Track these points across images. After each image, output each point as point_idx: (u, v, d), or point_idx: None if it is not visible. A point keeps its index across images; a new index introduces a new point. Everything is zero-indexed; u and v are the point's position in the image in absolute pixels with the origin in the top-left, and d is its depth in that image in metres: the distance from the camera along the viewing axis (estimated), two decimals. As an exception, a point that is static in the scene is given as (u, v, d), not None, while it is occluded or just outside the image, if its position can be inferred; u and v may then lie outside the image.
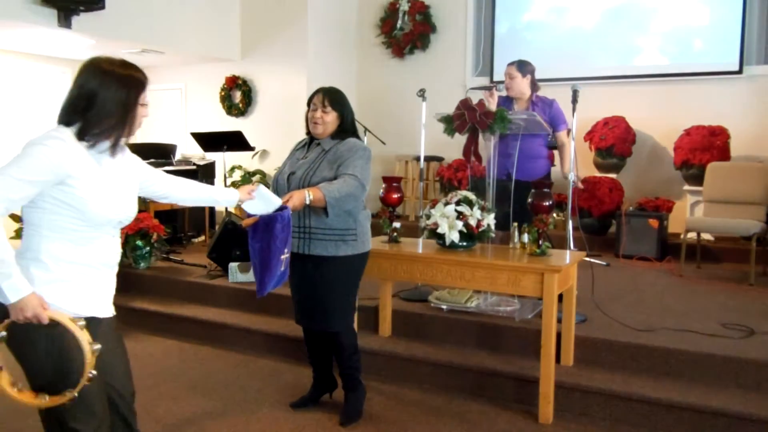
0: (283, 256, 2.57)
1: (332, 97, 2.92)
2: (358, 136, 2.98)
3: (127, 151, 2.01)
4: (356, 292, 3.02)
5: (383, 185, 3.62)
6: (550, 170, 4.23)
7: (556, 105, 4.17)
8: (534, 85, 4.18)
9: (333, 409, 3.14)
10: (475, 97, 3.81)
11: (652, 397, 2.96)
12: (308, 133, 3.02)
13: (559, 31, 7.09)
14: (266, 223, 2.54)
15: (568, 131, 4.21)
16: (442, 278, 3.18)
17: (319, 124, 2.89)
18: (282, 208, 2.56)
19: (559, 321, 3.24)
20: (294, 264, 2.77)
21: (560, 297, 3.18)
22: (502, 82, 4.29)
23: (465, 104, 3.77)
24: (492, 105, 4.06)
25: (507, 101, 4.20)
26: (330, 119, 2.90)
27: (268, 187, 2.66)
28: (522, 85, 4.13)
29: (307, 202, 2.65)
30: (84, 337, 1.77)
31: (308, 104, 2.98)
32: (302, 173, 2.84)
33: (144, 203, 5.77)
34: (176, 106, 8.73)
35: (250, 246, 2.63)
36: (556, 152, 4.55)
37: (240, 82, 7.90)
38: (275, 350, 3.97)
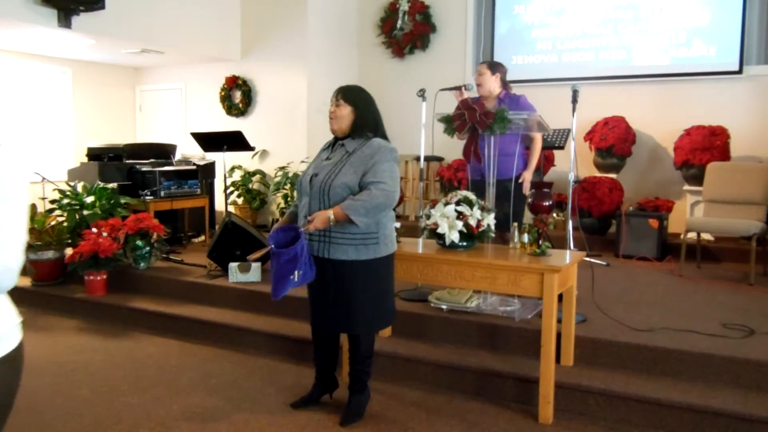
0: (292, 276, 2.69)
1: (346, 92, 2.89)
2: (384, 137, 2.91)
3: None
4: (385, 297, 2.93)
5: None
6: (524, 169, 4.17)
7: (524, 99, 4.14)
8: (505, 83, 4.19)
9: (333, 409, 3.14)
10: (446, 98, 3.83)
11: (652, 397, 2.95)
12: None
13: (559, 31, 7.09)
14: (275, 255, 2.69)
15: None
16: (442, 278, 3.18)
17: (333, 119, 2.87)
18: (297, 234, 2.72)
19: (559, 321, 3.24)
20: (315, 267, 2.82)
21: (560, 297, 3.18)
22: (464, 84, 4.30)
23: (465, 104, 3.77)
24: None
25: (476, 101, 4.18)
26: (343, 114, 2.85)
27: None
28: (491, 83, 4.14)
29: (331, 224, 2.70)
30: None
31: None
32: (324, 176, 2.79)
33: (144, 203, 5.78)
34: (176, 106, 8.73)
35: (272, 261, 2.80)
36: (557, 153, 4.54)
37: (240, 82, 7.90)
38: (275, 350, 3.97)
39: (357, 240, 2.76)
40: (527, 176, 4.12)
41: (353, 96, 2.88)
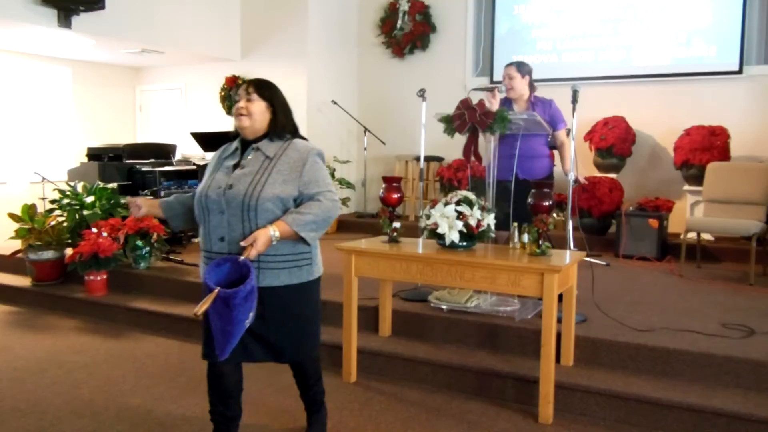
0: (248, 322, 2.24)
1: (261, 86, 2.47)
2: (301, 136, 2.55)
3: None
4: (319, 321, 2.62)
5: (383, 185, 3.62)
6: (552, 170, 4.26)
7: (555, 104, 4.22)
8: (531, 85, 4.21)
9: (334, 409, 3.13)
10: (475, 98, 3.81)
11: (652, 397, 2.95)
12: (235, 135, 2.54)
13: (559, 31, 7.09)
14: (225, 298, 2.15)
15: (568, 131, 4.23)
16: (442, 278, 3.18)
17: (243, 116, 2.41)
18: (241, 266, 2.22)
19: (559, 321, 3.24)
20: None
21: (560, 297, 3.18)
22: (499, 83, 4.29)
23: (465, 104, 3.77)
24: (494, 106, 4.08)
25: (507, 103, 4.21)
26: (258, 110, 2.42)
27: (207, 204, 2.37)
28: (521, 86, 4.15)
29: (274, 243, 2.28)
30: None
31: (234, 99, 2.54)
32: (246, 188, 2.32)
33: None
34: (176, 106, 8.73)
35: (209, 311, 2.21)
36: (556, 152, 4.55)
37: (240, 82, 7.89)
38: (275, 350, 3.96)
39: (290, 262, 2.39)
40: (572, 175, 4.17)
41: (269, 91, 2.49)
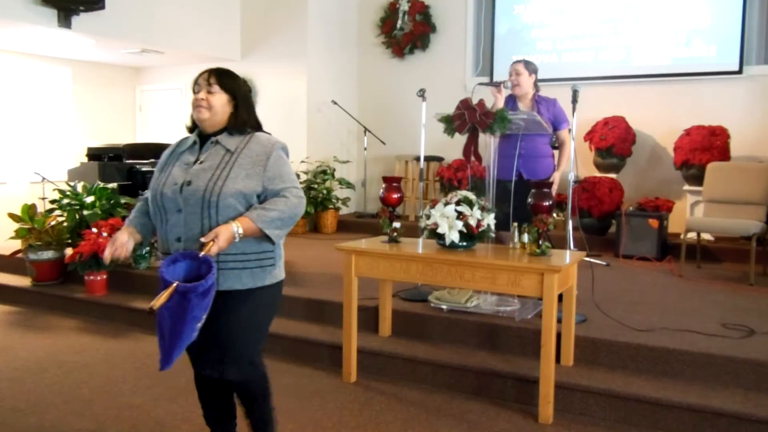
0: (199, 324, 2.05)
1: (223, 76, 2.28)
2: (263, 130, 2.36)
3: None
4: (267, 330, 2.38)
5: (383, 185, 3.62)
6: (554, 170, 4.27)
7: (558, 104, 4.24)
8: (536, 84, 4.21)
9: (333, 409, 3.14)
10: (482, 92, 3.81)
11: (652, 397, 2.95)
12: (193, 128, 2.35)
13: (559, 31, 7.09)
14: (183, 293, 1.98)
15: (569, 130, 4.23)
16: (442, 278, 3.18)
17: (203, 108, 2.22)
18: (202, 261, 2.04)
19: (559, 321, 3.24)
20: None
21: (560, 297, 3.18)
22: (500, 83, 4.28)
23: (465, 104, 3.77)
24: (500, 101, 4.10)
25: (511, 100, 4.21)
26: (219, 103, 2.24)
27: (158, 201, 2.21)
28: (528, 83, 4.15)
29: (237, 240, 2.10)
30: None
31: (193, 89, 2.31)
32: (205, 183, 2.14)
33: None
34: (176, 106, 8.73)
35: (159, 312, 2.02)
36: (557, 153, 4.56)
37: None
38: (275, 350, 3.96)
39: (252, 262, 2.20)
40: (557, 177, 4.18)
41: (232, 82, 2.29)
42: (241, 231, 2.09)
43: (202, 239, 2.07)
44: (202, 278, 2.01)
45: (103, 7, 6.02)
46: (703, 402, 2.88)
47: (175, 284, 1.97)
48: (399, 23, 7.78)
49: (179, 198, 2.16)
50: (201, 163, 2.21)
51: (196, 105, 2.24)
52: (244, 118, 2.27)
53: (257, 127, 2.33)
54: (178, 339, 2.03)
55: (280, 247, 2.32)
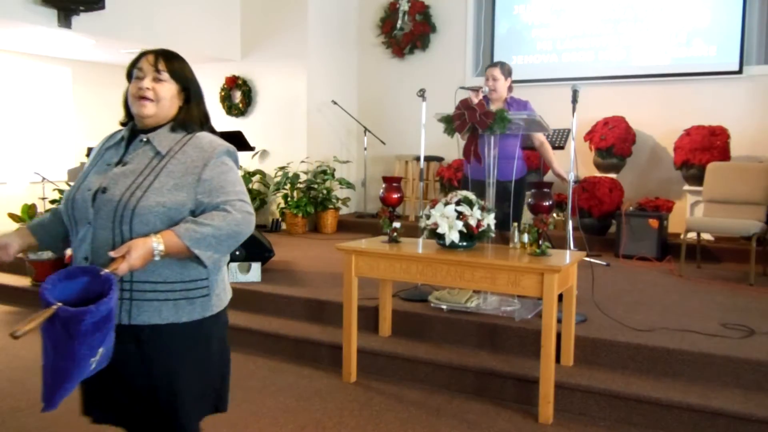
0: (93, 362, 1.54)
1: (171, 60, 1.82)
2: (212, 129, 1.88)
3: None
4: (216, 376, 1.86)
5: (383, 185, 3.62)
6: (525, 172, 4.26)
7: (530, 105, 4.21)
8: (510, 86, 4.23)
9: (333, 409, 3.14)
10: (461, 96, 3.83)
11: (652, 397, 2.96)
12: (126, 122, 1.87)
13: (559, 31, 7.09)
14: (65, 321, 1.47)
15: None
16: (442, 278, 3.18)
17: (148, 101, 1.76)
18: (102, 281, 1.55)
19: (559, 321, 3.24)
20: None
21: (560, 297, 3.18)
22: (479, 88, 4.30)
23: (465, 104, 3.78)
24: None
25: (486, 102, 4.20)
26: (167, 94, 1.78)
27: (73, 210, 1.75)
28: (503, 88, 4.17)
29: (156, 259, 1.63)
30: None
31: (128, 75, 1.85)
32: (122, 192, 1.68)
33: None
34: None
35: (43, 339, 1.53)
36: (557, 153, 4.56)
37: (240, 82, 7.90)
38: (275, 350, 3.97)
39: (177, 292, 1.72)
40: (561, 171, 4.21)
41: (183, 68, 1.83)
42: (162, 248, 1.62)
43: (111, 253, 1.61)
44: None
45: (103, 7, 6.02)
46: (703, 402, 2.88)
47: (55, 307, 1.47)
48: (399, 23, 7.78)
49: (89, 208, 1.69)
50: (123, 165, 1.74)
51: (140, 96, 1.76)
52: (193, 115, 1.82)
53: (204, 124, 1.86)
54: (63, 379, 1.53)
55: (220, 272, 1.83)
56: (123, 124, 1.88)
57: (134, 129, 1.83)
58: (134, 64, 1.84)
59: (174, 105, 1.80)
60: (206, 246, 1.66)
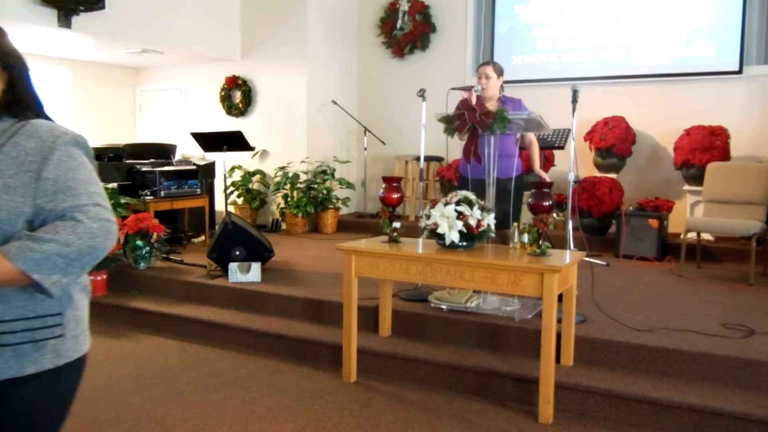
0: None
1: None
2: (47, 116, 1.46)
3: None
4: None
5: (383, 185, 3.62)
6: (521, 170, 4.27)
7: (524, 104, 4.23)
8: (502, 86, 4.24)
9: (333, 409, 3.14)
10: (455, 96, 3.84)
11: (652, 397, 2.95)
12: None
13: (559, 31, 7.09)
14: None
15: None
16: (442, 278, 3.18)
17: None
18: None
19: (559, 321, 3.24)
20: None
21: (560, 297, 3.18)
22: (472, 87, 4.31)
23: (465, 104, 3.78)
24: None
25: (478, 101, 4.20)
26: None
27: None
28: (495, 87, 4.17)
29: None
30: None
31: None
32: None
33: (144, 203, 5.78)
34: (176, 106, 8.73)
35: None
36: (557, 153, 4.56)
37: (240, 82, 7.90)
38: (275, 350, 3.97)
39: (16, 334, 1.32)
40: (542, 172, 4.24)
41: (2, 45, 1.40)
42: None
43: None
44: None
45: (103, 7, 6.02)
46: (703, 402, 2.88)
47: None
48: (399, 23, 7.78)
49: None
50: None
51: None
52: (20, 98, 1.41)
53: (37, 111, 1.45)
54: None
55: (79, 304, 1.45)
56: None
57: None
58: None
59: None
60: (50, 269, 1.26)
